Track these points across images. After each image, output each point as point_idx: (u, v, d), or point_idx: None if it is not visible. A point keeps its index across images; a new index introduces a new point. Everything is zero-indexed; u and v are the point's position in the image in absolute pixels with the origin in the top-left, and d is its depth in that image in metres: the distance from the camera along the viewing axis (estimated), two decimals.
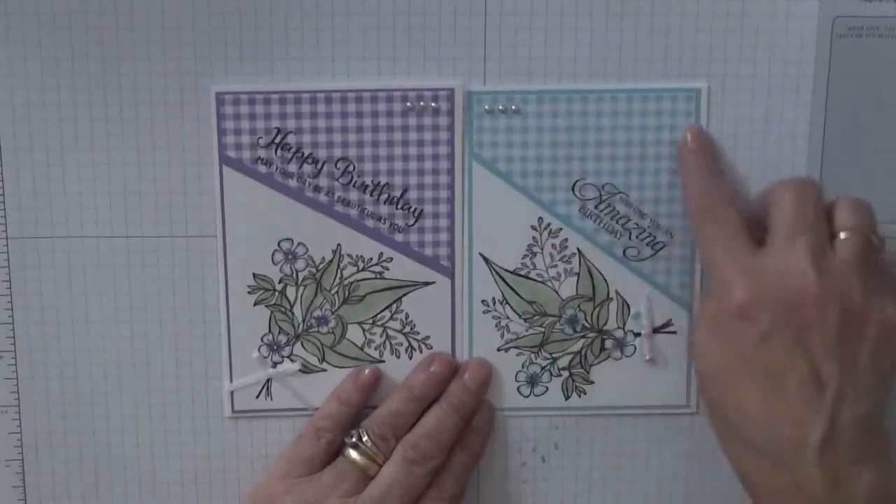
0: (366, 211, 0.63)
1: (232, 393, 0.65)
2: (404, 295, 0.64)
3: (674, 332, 0.65)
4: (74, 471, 0.66)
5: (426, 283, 0.64)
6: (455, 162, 0.63)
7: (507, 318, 0.65)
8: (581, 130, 0.62)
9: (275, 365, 0.65)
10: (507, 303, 0.65)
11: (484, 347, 0.65)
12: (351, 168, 0.62)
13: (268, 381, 0.65)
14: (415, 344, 0.65)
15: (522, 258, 0.64)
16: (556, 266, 0.64)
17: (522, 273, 0.64)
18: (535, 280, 0.64)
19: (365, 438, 0.62)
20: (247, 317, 0.64)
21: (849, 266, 0.56)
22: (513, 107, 0.62)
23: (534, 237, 0.64)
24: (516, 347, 0.65)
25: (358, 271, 0.64)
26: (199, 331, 0.64)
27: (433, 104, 0.62)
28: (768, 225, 0.59)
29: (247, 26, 0.61)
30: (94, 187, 0.62)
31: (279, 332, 0.64)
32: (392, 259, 0.64)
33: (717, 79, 0.62)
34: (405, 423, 0.63)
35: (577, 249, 0.64)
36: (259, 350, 0.65)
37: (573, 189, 0.63)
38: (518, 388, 0.66)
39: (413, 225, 0.63)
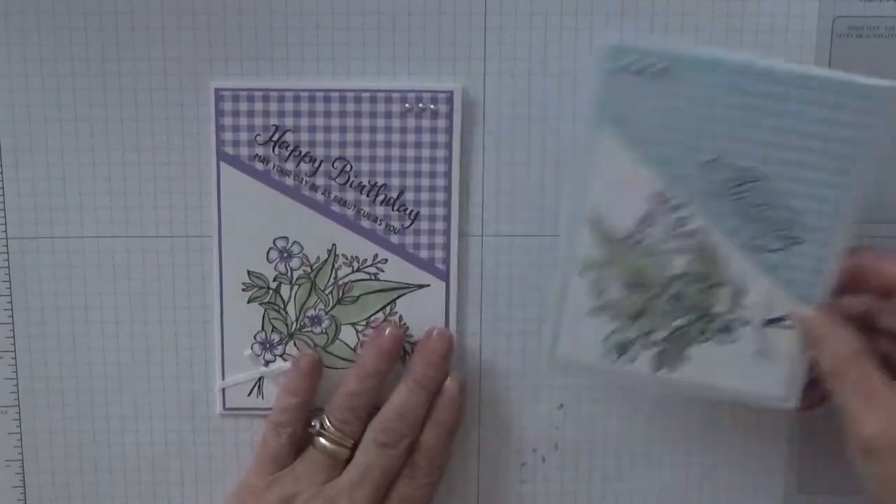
0: (362, 211, 0.63)
1: (224, 390, 0.65)
2: (398, 297, 0.64)
3: (788, 328, 0.60)
4: (74, 471, 0.66)
5: (420, 286, 0.64)
6: (452, 165, 0.62)
7: (608, 283, 0.60)
8: (727, 106, 0.57)
9: (267, 363, 0.65)
10: (609, 268, 0.60)
11: (575, 310, 0.61)
12: (348, 168, 0.62)
13: (259, 379, 0.65)
14: (408, 347, 0.64)
15: (637, 226, 0.59)
16: (669, 241, 0.59)
17: (632, 242, 0.60)
18: (644, 251, 0.60)
19: (328, 424, 0.62)
20: (240, 314, 0.64)
21: None
22: (660, 66, 0.57)
23: (651, 208, 0.59)
24: (610, 313, 0.61)
25: (352, 272, 0.63)
26: (195, 328, 0.64)
27: (432, 106, 0.62)
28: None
29: (247, 24, 0.61)
30: (94, 187, 0.63)
31: (272, 331, 0.64)
32: (387, 261, 0.63)
33: None
34: (364, 402, 0.62)
35: (700, 228, 0.59)
36: (252, 348, 0.64)
37: (706, 166, 0.58)
38: (605, 353, 0.61)
39: (409, 227, 0.63)
